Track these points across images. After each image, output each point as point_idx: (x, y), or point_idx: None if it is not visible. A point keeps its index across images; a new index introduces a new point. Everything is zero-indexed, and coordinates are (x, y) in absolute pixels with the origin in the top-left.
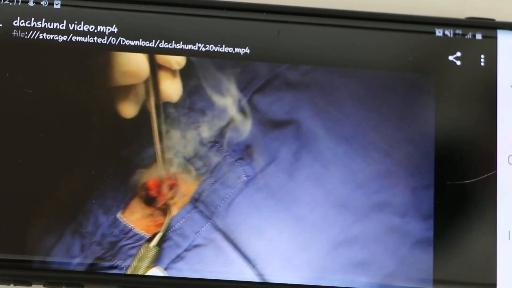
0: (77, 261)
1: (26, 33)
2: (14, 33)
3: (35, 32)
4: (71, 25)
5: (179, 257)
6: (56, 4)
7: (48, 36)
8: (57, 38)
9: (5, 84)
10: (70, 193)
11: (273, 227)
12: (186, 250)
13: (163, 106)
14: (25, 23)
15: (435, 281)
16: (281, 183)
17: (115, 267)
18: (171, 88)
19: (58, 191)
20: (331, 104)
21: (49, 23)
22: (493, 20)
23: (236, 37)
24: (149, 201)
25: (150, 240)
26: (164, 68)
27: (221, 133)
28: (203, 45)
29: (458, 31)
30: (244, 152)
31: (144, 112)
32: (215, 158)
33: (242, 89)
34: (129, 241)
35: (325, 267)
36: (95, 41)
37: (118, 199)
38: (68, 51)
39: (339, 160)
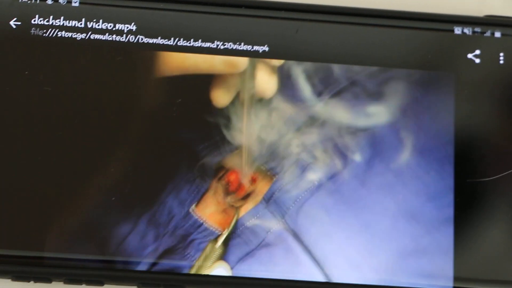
0: (150, 249)
1: (44, 31)
2: (32, 31)
3: (53, 30)
4: (90, 23)
5: (248, 255)
6: (75, 2)
7: (67, 34)
8: (75, 36)
9: (24, 82)
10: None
11: (342, 232)
12: (256, 248)
13: (256, 101)
14: (43, 21)
15: (456, 279)
16: (352, 190)
17: (185, 259)
18: (267, 84)
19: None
20: (405, 114)
21: (67, 21)
22: None
23: (255, 35)
24: (227, 195)
25: (216, 239)
26: (263, 62)
27: (296, 134)
28: (221, 43)
29: (477, 29)
30: (317, 156)
31: (235, 105)
32: (288, 160)
33: (319, 93)
34: (199, 235)
35: (391, 275)
36: (114, 39)
37: (192, 193)
38: (87, 49)
39: (411, 171)
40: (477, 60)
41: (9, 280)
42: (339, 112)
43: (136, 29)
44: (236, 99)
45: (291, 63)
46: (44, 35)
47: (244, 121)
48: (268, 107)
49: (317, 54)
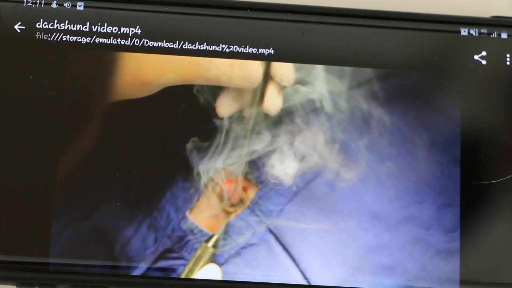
0: (151, 250)
1: (49, 35)
2: (37, 35)
3: (58, 34)
4: (94, 27)
5: (236, 253)
6: (79, 6)
7: (71, 38)
8: (80, 40)
9: (29, 86)
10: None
11: (315, 232)
12: (243, 247)
13: (260, 116)
14: (48, 25)
15: (462, 282)
16: (324, 194)
17: (181, 258)
18: (274, 102)
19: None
20: (371, 127)
21: (72, 25)
22: None
23: (260, 37)
24: (221, 202)
25: (207, 241)
26: (274, 81)
27: (278, 147)
28: (227, 46)
29: (483, 30)
30: (296, 165)
31: (238, 117)
32: (271, 169)
33: (297, 109)
34: (193, 237)
35: (357, 269)
36: (119, 43)
37: (187, 200)
38: (92, 52)
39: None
40: (484, 62)
41: (14, 287)
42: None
43: (141, 32)
44: (240, 112)
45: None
46: (48, 39)
47: (246, 135)
48: (267, 123)
49: (323, 56)
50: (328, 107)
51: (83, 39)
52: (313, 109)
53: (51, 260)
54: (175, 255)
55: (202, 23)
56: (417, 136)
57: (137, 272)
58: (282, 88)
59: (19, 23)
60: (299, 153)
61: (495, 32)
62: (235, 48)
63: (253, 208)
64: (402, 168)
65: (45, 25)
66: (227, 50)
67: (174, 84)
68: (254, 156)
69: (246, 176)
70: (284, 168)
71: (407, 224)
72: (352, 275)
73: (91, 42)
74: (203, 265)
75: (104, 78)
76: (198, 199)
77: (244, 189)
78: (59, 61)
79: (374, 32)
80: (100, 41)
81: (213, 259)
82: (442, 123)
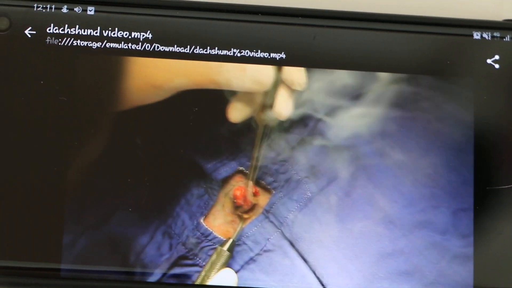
0: (165, 257)
1: (59, 40)
2: (48, 40)
3: (68, 38)
4: (105, 32)
5: (251, 260)
6: (90, 11)
7: (82, 43)
8: (91, 44)
9: (40, 91)
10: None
11: (331, 238)
12: (258, 254)
13: (272, 121)
14: (58, 30)
15: (476, 287)
16: (339, 200)
17: (196, 265)
18: (285, 106)
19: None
20: (385, 133)
21: (82, 30)
22: None
23: (272, 42)
24: (235, 208)
25: (223, 244)
26: (285, 85)
27: (291, 153)
28: (238, 50)
29: (496, 34)
30: (309, 171)
31: (250, 123)
32: (284, 176)
33: (311, 116)
34: (209, 243)
35: (375, 274)
36: (130, 47)
37: (202, 207)
38: (102, 57)
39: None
40: (496, 65)
41: None
42: (326, 133)
43: (152, 37)
44: (252, 118)
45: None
46: (59, 44)
47: (258, 141)
48: (280, 129)
49: (335, 60)
50: (341, 111)
51: (94, 44)
52: (325, 114)
53: (63, 266)
54: (190, 262)
55: (214, 27)
56: (430, 141)
57: (151, 279)
58: (293, 91)
59: (30, 28)
60: (312, 159)
61: (508, 36)
62: (247, 53)
63: (267, 214)
64: (416, 173)
65: (55, 30)
66: (239, 55)
67: (184, 88)
68: (267, 162)
69: (258, 182)
70: (297, 173)
71: (423, 229)
72: (370, 281)
73: (102, 46)
74: (219, 269)
75: (115, 83)
76: (212, 206)
77: (255, 195)
78: (70, 66)
79: (386, 36)
80: (111, 46)
81: (228, 264)
82: (455, 127)
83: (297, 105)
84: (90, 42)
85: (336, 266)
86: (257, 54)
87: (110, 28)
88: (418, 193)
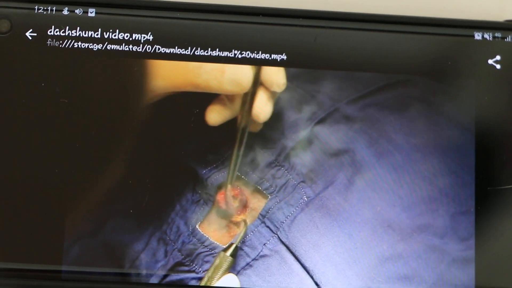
0: (161, 264)
1: (60, 42)
2: (48, 42)
3: (69, 41)
4: (106, 33)
5: (248, 265)
6: (91, 13)
7: (83, 45)
8: (92, 46)
9: (41, 93)
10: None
11: (329, 242)
12: (255, 259)
13: (250, 123)
14: (59, 32)
15: None
16: (337, 204)
17: (193, 271)
18: (264, 108)
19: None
20: (383, 136)
21: (83, 32)
22: None
23: (273, 43)
24: (223, 214)
25: (225, 250)
26: (264, 86)
27: (286, 158)
28: (239, 52)
29: (497, 34)
30: (305, 176)
31: (231, 125)
32: (280, 180)
33: (306, 120)
34: (205, 249)
35: (372, 279)
36: (131, 49)
37: (197, 212)
38: (103, 59)
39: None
40: (498, 66)
41: None
42: (323, 137)
43: (152, 39)
44: (231, 120)
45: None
46: (60, 46)
47: (235, 143)
48: (260, 131)
49: (336, 62)
50: (338, 114)
51: (95, 46)
52: (323, 117)
53: (64, 268)
54: (186, 268)
55: (215, 29)
56: (430, 142)
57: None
58: (272, 93)
59: (31, 30)
60: (309, 162)
61: (509, 36)
62: (248, 54)
63: (263, 219)
64: (415, 176)
65: (56, 32)
66: (240, 56)
67: (163, 91)
68: (262, 166)
69: (253, 187)
70: (293, 178)
71: (422, 233)
72: (368, 286)
73: (103, 48)
74: (222, 275)
75: (115, 84)
76: (208, 212)
77: (235, 197)
78: (71, 68)
79: (387, 37)
80: (112, 48)
81: (230, 269)
82: (456, 128)
83: (276, 107)
84: (91, 44)
85: (334, 270)
86: (258, 56)
87: (111, 30)
88: (417, 197)
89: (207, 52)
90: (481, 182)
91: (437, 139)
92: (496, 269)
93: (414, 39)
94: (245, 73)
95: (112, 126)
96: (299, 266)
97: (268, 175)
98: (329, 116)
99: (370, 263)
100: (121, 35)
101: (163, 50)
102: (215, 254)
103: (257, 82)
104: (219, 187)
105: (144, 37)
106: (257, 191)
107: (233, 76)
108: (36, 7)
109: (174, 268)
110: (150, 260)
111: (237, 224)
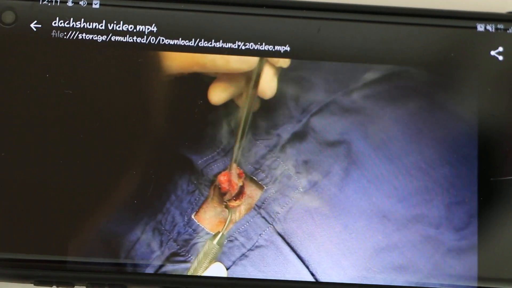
0: (156, 254)
1: (65, 33)
2: (53, 34)
3: (74, 32)
4: (110, 25)
5: (244, 256)
6: (95, 4)
7: (87, 36)
8: (96, 38)
9: (45, 85)
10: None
11: (324, 233)
12: (250, 249)
13: (255, 101)
14: (64, 24)
15: (480, 278)
16: (332, 195)
17: (188, 262)
18: (270, 84)
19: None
20: (379, 127)
21: (88, 23)
22: None
23: (276, 34)
24: (222, 196)
25: (212, 238)
26: (270, 63)
27: (282, 149)
28: (243, 43)
29: (500, 26)
30: (301, 167)
31: (234, 106)
32: (276, 171)
33: (302, 111)
34: (201, 239)
35: (368, 269)
36: (135, 41)
37: (192, 203)
38: (108, 50)
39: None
40: (500, 57)
41: (32, 285)
42: (319, 128)
43: (156, 30)
44: (234, 100)
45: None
46: (64, 37)
47: (240, 122)
48: (259, 122)
49: (339, 53)
50: (334, 106)
51: (99, 37)
52: (319, 108)
53: (69, 258)
54: (182, 258)
55: (218, 20)
56: (434, 132)
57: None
58: (277, 70)
59: (35, 21)
60: (304, 153)
61: None
62: (251, 46)
63: (258, 210)
64: (411, 166)
65: (61, 23)
66: (243, 48)
67: (171, 72)
68: (258, 157)
69: (249, 178)
70: (289, 169)
71: (417, 223)
72: (364, 276)
73: (107, 40)
74: (209, 263)
75: (120, 76)
76: (203, 202)
77: (240, 176)
78: (75, 59)
79: (390, 29)
80: (116, 39)
81: (219, 258)
82: (459, 119)
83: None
84: (95, 35)
85: (330, 261)
86: (262, 47)
87: (115, 22)
88: (412, 187)
89: (211, 44)
90: (484, 173)
91: (435, 130)
92: (499, 260)
93: (416, 30)
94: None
95: (116, 117)
96: (294, 256)
97: (263, 166)
98: (325, 107)
99: (365, 253)
100: (125, 26)
101: (167, 41)
102: (205, 242)
103: (263, 58)
104: (218, 175)
105: (148, 28)
106: (252, 181)
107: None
108: None
109: (169, 258)
110: (145, 250)
111: (229, 209)
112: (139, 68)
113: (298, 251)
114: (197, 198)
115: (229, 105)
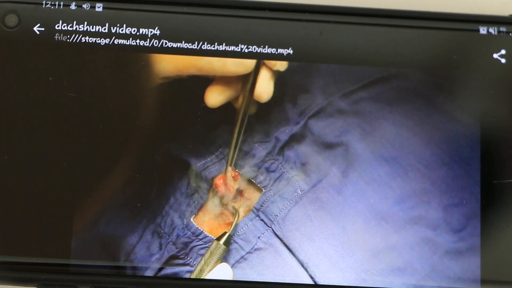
0: (156, 257)
1: (68, 36)
2: (56, 37)
3: (77, 35)
4: (113, 28)
5: (242, 258)
6: (98, 7)
7: (90, 39)
8: (99, 41)
9: (48, 88)
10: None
11: (323, 235)
12: (249, 252)
13: (252, 104)
14: (67, 27)
15: (483, 281)
16: (330, 197)
17: (187, 264)
18: (267, 87)
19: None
20: (376, 129)
21: (91, 26)
22: None
23: (279, 37)
24: (218, 201)
25: (219, 239)
26: (267, 66)
27: (281, 151)
28: (245, 46)
29: (502, 29)
30: (299, 169)
31: (228, 113)
32: (274, 174)
33: (300, 114)
34: (200, 242)
35: (366, 271)
36: (138, 44)
37: (191, 205)
38: (111, 53)
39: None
40: (503, 60)
41: None
42: (317, 130)
43: (160, 33)
44: (230, 102)
45: (291, 71)
46: (67, 40)
47: (236, 124)
48: (258, 125)
49: (342, 56)
50: (331, 108)
51: (102, 40)
52: (317, 110)
53: (72, 261)
54: (181, 261)
55: (221, 23)
56: (436, 135)
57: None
58: (274, 73)
59: (38, 24)
60: (302, 156)
61: None
62: (254, 49)
63: (257, 213)
64: (409, 168)
65: (64, 26)
66: (246, 51)
67: (167, 75)
68: (256, 160)
69: (247, 181)
70: (287, 171)
71: (415, 225)
72: (362, 278)
73: (110, 43)
74: (215, 264)
75: (122, 79)
76: (202, 205)
77: (235, 178)
78: (78, 62)
79: (393, 32)
80: (119, 42)
81: (224, 260)
82: (461, 122)
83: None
84: (99, 38)
85: (329, 263)
86: (265, 50)
87: (118, 25)
88: (410, 189)
89: (214, 47)
90: (486, 176)
91: (437, 133)
92: (502, 262)
93: (419, 33)
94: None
95: (119, 120)
96: (293, 259)
97: (262, 169)
98: (322, 109)
99: (363, 255)
100: (128, 29)
101: (170, 44)
102: (212, 242)
103: (260, 61)
104: (214, 179)
105: (151, 31)
106: (251, 184)
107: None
108: (44, 2)
109: (168, 262)
110: (144, 253)
111: (233, 213)
112: (141, 71)
113: (297, 254)
114: (196, 201)
115: (227, 108)
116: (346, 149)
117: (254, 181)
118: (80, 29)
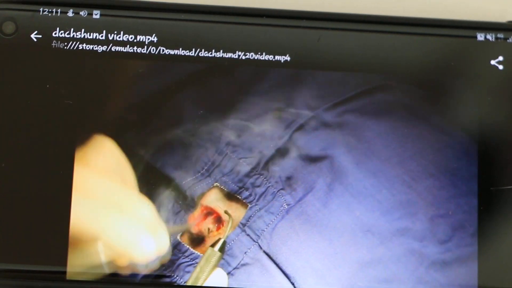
0: (142, 275)
1: (65, 43)
2: (53, 44)
3: (74, 42)
4: (111, 35)
5: (229, 274)
6: (95, 14)
7: (88, 47)
8: (96, 48)
9: (45, 95)
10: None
11: (309, 249)
12: (236, 268)
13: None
14: (64, 34)
15: None
16: (316, 210)
17: (174, 283)
18: None
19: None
20: (361, 141)
21: (88, 33)
22: None
23: (277, 44)
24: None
25: (213, 245)
26: None
27: (266, 166)
28: (243, 53)
29: (500, 35)
30: (285, 183)
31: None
32: (260, 189)
33: (285, 128)
34: (186, 259)
35: (353, 284)
36: (135, 51)
37: (177, 223)
38: (108, 61)
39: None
40: (500, 67)
41: None
42: (302, 144)
43: (157, 40)
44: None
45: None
46: (65, 48)
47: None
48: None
49: (339, 63)
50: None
51: (100, 48)
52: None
53: (69, 269)
54: (167, 279)
55: (219, 30)
56: (434, 141)
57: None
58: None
59: (36, 32)
60: (288, 170)
61: None
62: (252, 55)
63: (243, 228)
64: (394, 180)
65: (61, 33)
66: (244, 58)
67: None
68: (241, 176)
69: (234, 197)
70: (273, 186)
71: (401, 237)
72: None
73: (108, 50)
74: (210, 270)
75: (120, 86)
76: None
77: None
78: (75, 69)
79: (390, 38)
80: (117, 49)
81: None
82: (459, 128)
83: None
84: (96, 45)
85: (315, 276)
86: (262, 57)
87: (115, 32)
88: (395, 201)
89: (211, 54)
90: (484, 182)
91: (441, 138)
92: (499, 270)
93: (417, 40)
94: None
95: (115, 127)
96: (280, 273)
97: (247, 184)
98: (307, 123)
99: (350, 268)
100: (126, 36)
101: (168, 51)
102: (195, 265)
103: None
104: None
105: (148, 38)
106: (236, 200)
107: None
108: (41, 9)
109: (155, 280)
110: (133, 268)
111: (230, 217)
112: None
113: (284, 268)
114: (182, 219)
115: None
116: (332, 162)
117: (240, 197)
118: (77, 36)
